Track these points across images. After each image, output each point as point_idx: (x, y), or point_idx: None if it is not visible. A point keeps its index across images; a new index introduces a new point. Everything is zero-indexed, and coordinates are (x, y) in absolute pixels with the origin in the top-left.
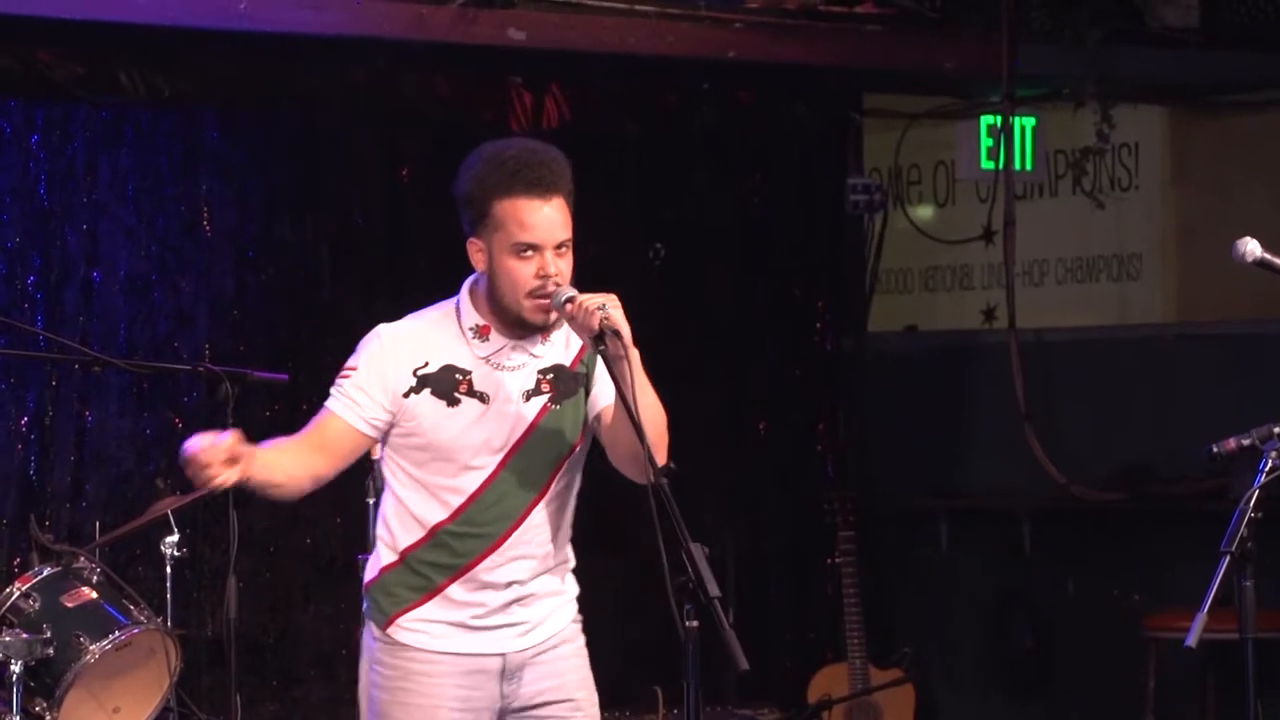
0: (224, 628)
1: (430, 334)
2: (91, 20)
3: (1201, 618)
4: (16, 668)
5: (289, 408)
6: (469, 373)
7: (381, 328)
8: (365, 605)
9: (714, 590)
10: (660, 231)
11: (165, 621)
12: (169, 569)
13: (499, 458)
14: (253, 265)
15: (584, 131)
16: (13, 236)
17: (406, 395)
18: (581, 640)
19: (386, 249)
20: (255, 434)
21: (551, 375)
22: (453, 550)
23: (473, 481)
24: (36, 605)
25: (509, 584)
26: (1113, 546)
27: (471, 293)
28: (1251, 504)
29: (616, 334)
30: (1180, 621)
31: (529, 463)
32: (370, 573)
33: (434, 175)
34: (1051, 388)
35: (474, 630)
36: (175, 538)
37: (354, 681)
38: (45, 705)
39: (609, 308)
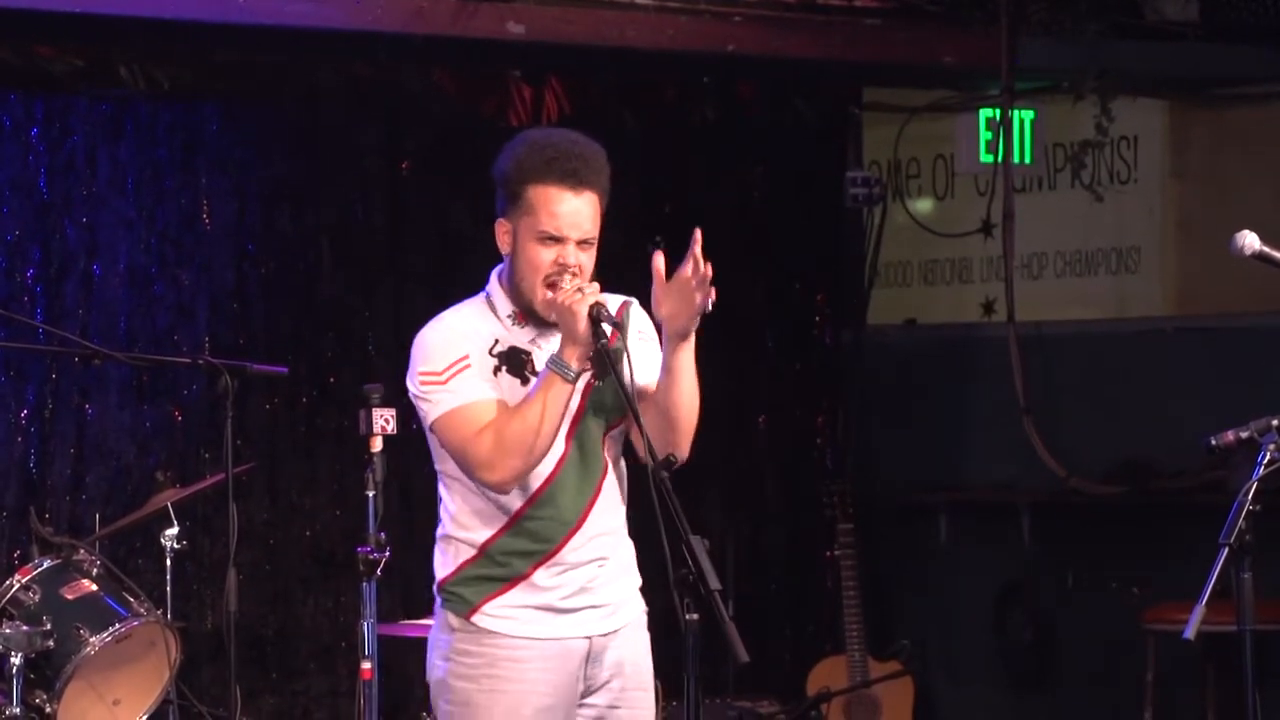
0: (224, 620)
1: (481, 321)
2: (91, 13)
3: (1200, 610)
4: (17, 660)
5: (289, 401)
6: (529, 354)
7: (437, 324)
8: (439, 601)
9: (714, 583)
10: (659, 225)
11: (165, 614)
12: (169, 561)
13: (564, 437)
14: (252, 258)
15: (583, 126)
16: (12, 229)
17: (495, 373)
18: (647, 635)
19: (386, 242)
20: (254, 427)
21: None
22: (536, 536)
23: (547, 464)
24: (37, 598)
25: (591, 561)
26: (1112, 539)
27: (500, 282)
28: (1250, 497)
29: (614, 321)
30: (1179, 614)
31: (587, 440)
32: (445, 569)
33: (434, 169)
34: (1051, 381)
35: (560, 613)
36: (175, 530)
37: (353, 674)
38: (45, 697)
39: (590, 293)
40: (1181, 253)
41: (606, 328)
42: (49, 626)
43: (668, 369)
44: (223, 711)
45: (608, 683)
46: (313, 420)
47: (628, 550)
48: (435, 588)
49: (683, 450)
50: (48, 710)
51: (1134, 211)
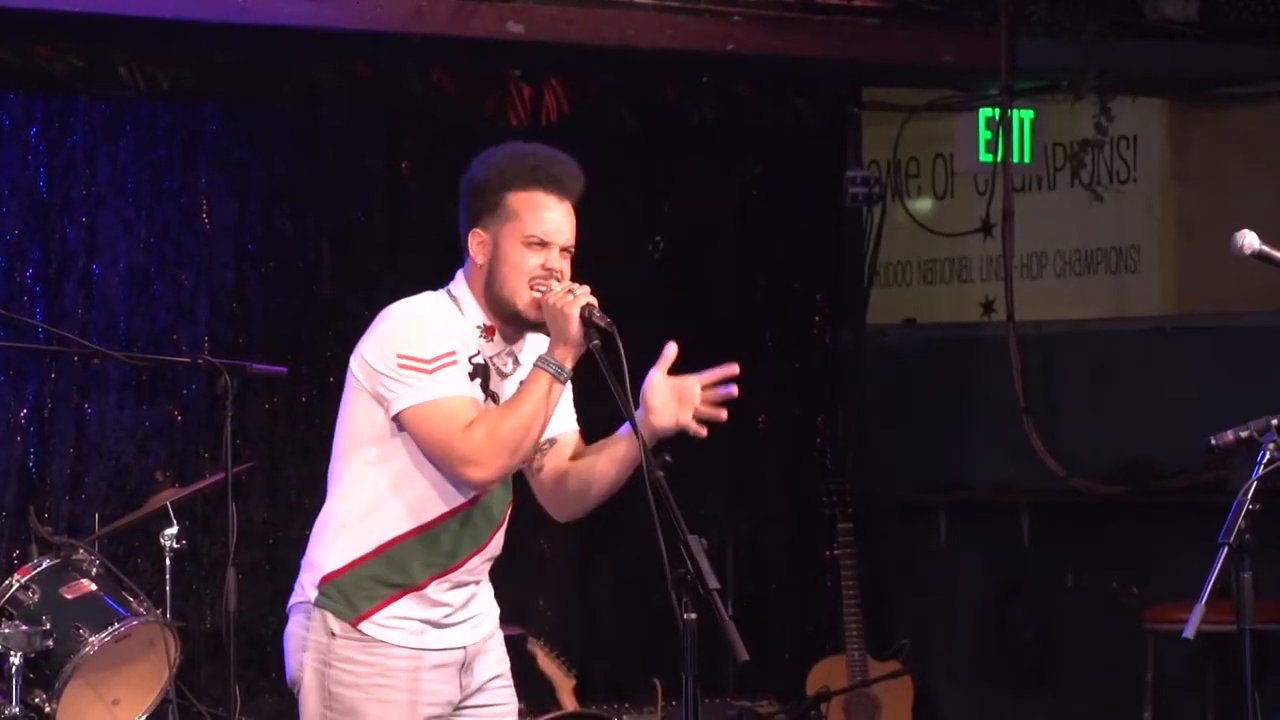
0: (223, 620)
1: (456, 325)
2: (90, 13)
3: (1199, 609)
4: (16, 659)
5: (288, 400)
6: (489, 370)
7: (419, 311)
8: (310, 596)
9: (713, 582)
10: (659, 225)
11: (165, 613)
12: (168, 561)
13: None
14: (252, 258)
15: (583, 125)
16: (12, 229)
17: (471, 379)
18: (500, 632)
19: (386, 242)
20: (254, 426)
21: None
22: (441, 549)
23: None
24: (36, 597)
25: (474, 582)
26: (1111, 539)
27: (470, 289)
28: (1249, 496)
29: (609, 326)
30: (1178, 613)
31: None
32: (331, 563)
33: (434, 168)
34: (1050, 380)
35: (444, 627)
36: (174, 530)
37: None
38: (45, 697)
39: (581, 295)
40: (1181, 252)
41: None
42: (48, 626)
43: (619, 456)
44: (222, 711)
45: (480, 688)
46: (312, 420)
47: None
48: (313, 580)
49: (568, 518)
50: (47, 710)
51: (1133, 211)
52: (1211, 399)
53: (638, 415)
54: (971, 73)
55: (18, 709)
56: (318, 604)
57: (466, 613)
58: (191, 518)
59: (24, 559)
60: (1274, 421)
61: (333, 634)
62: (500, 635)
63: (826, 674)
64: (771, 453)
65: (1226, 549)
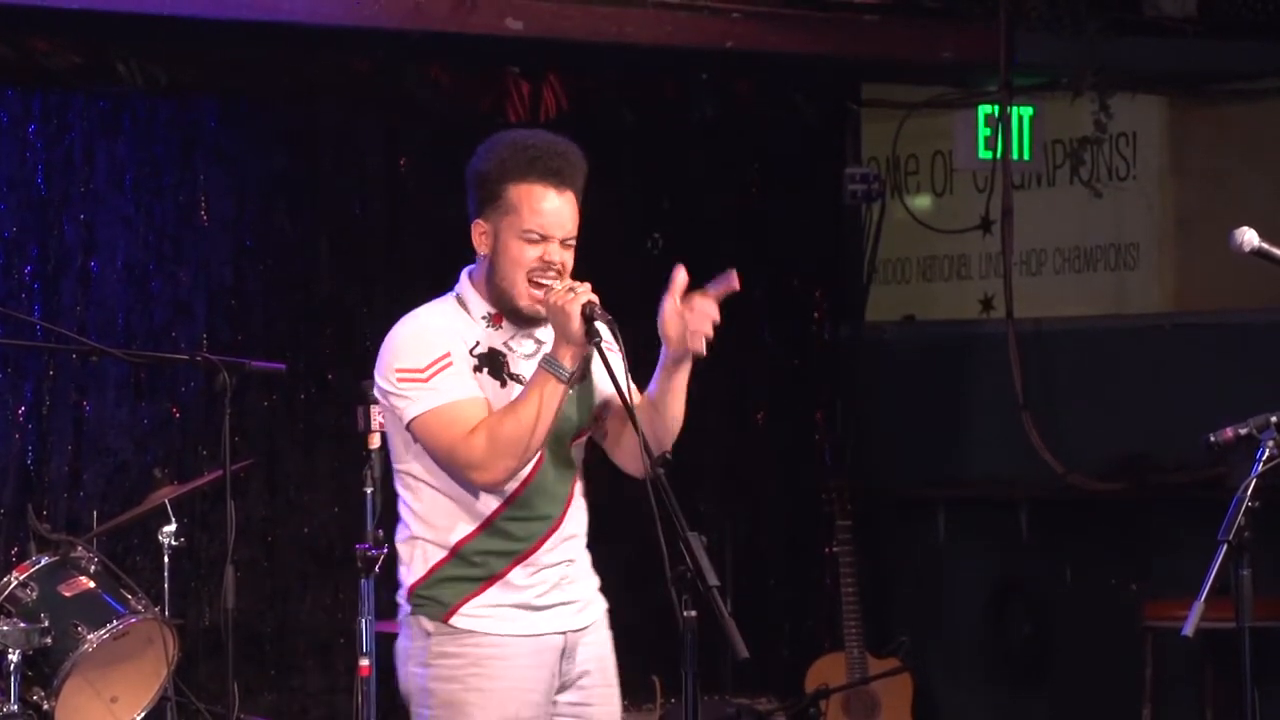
0: (222, 617)
1: (458, 321)
2: (89, 9)
3: (1199, 606)
4: (14, 657)
5: (287, 397)
6: (505, 355)
7: (413, 321)
8: (407, 608)
9: (712, 579)
10: (658, 221)
11: (163, 611)
12: (167, 558)
13: None
14: (251, 255)
15: (581, 122)
16: (10, 226)
17: (476, 373)
18: (610, 633)
19: (385, 239)
20: (252, 424)
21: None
22: (512, 536)
23: (525, 466)
24: (34, 594)
25: (562, 561)
26: (1110, 536)
27: (474, 283)
28: (1249, 493)
29: (608, 321)
30: (1178, 610)
31: (560, 444)
32: (414, 574)
33: (432, 165)
34: (1049, 377)
35: (538, 610)
36: (173, 527)
37: (351, 671)
38: (43, 694)
39: (582, 292)
40: (1180, 249)
41: (602, 328)
42: (46, 624)
43: (659, 390)
44: (220, 709)
45: (580, 679)
46: (311, 417)
47: (588, 553)
48: (404, 594)
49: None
50: (45, 707)
51: (1133, 208)
52: (1211, 396)
53: (661, 358)
54: (971, 69)
55: (16, 707)
56: (412, 613)
57: (562, 595)
58: (190, 515)
59: (22, 556)
60: (1273, 419)
61: (428, 634)
62: (607, 634)
63: (826, 671)
64: (770, 449)
65: (1226, 546)
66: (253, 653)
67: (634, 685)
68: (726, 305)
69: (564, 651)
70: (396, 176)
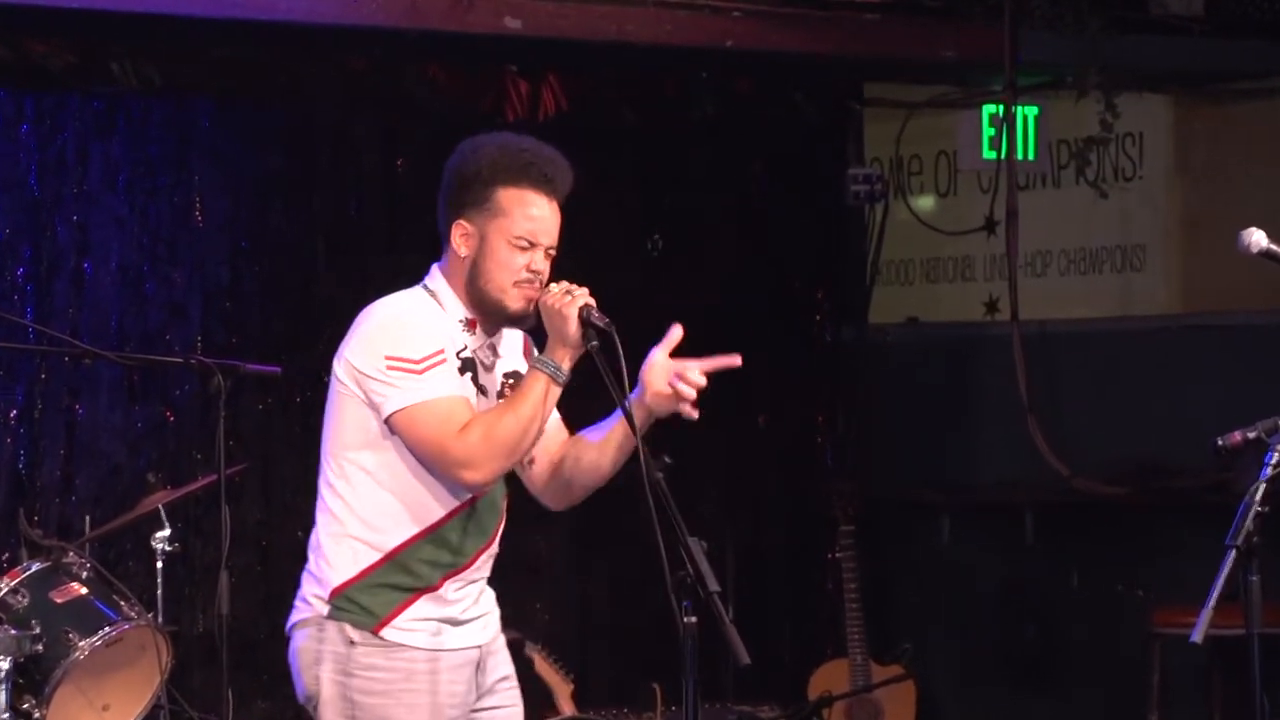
0: (216, 624)
1: (440, 322)
2: (83, 8)
3: (1207, 613)
4: (5, 664)
5: (282, 401)
6: (476, 363)
7: (401, 310)
8: (323, 610)
9: (713, 585)
10: (658, 222)
11: (156, 618)
12: (160, 564)
13: None
14: (246, 256)
15: (581, 121)
16: (2, 228)
17: (460, 375)
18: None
19: (382, 240)
20: (247, 427)
21: (512, 381)
22: (452, 548)
23: None
24: (25, 601)
25: (482, 578)
26: (1117, 541)
27: (450, 283)
28: (1257, 498)
29: (608, 326)
30: (1185, 617)
31: None
32: (340, 575)
33: (430, 165)
34: (1055, 380)
35: (461, 624)
36: (166, 532)
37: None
38: (34, 702)
39: (579, 295)
40: (1187, 250)
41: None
42: (37, 630)
43: (615, 444)
44: (214, 717)
45: (494, 685)
46: (307, 420)
47: None
48: (324, 594)
49: (563, 507)
50: (36, 715)
51: (1139, 209)
52: (1218, 399)
53: (633, 397)
54: (974, 68)
55: (6, 715)
56: (331, 616)
57: (478, 609)
58: (184, 520)
59: (13, 562)
60: None
61: (352, 643)
62: (504, 638)
63: (828, 678)
64: (772, 453)
65: (1234, 551)
66: (247, 660)
67: (634, 693)
68: (727, 306)
69: (479, 664)
70: (394, 177)
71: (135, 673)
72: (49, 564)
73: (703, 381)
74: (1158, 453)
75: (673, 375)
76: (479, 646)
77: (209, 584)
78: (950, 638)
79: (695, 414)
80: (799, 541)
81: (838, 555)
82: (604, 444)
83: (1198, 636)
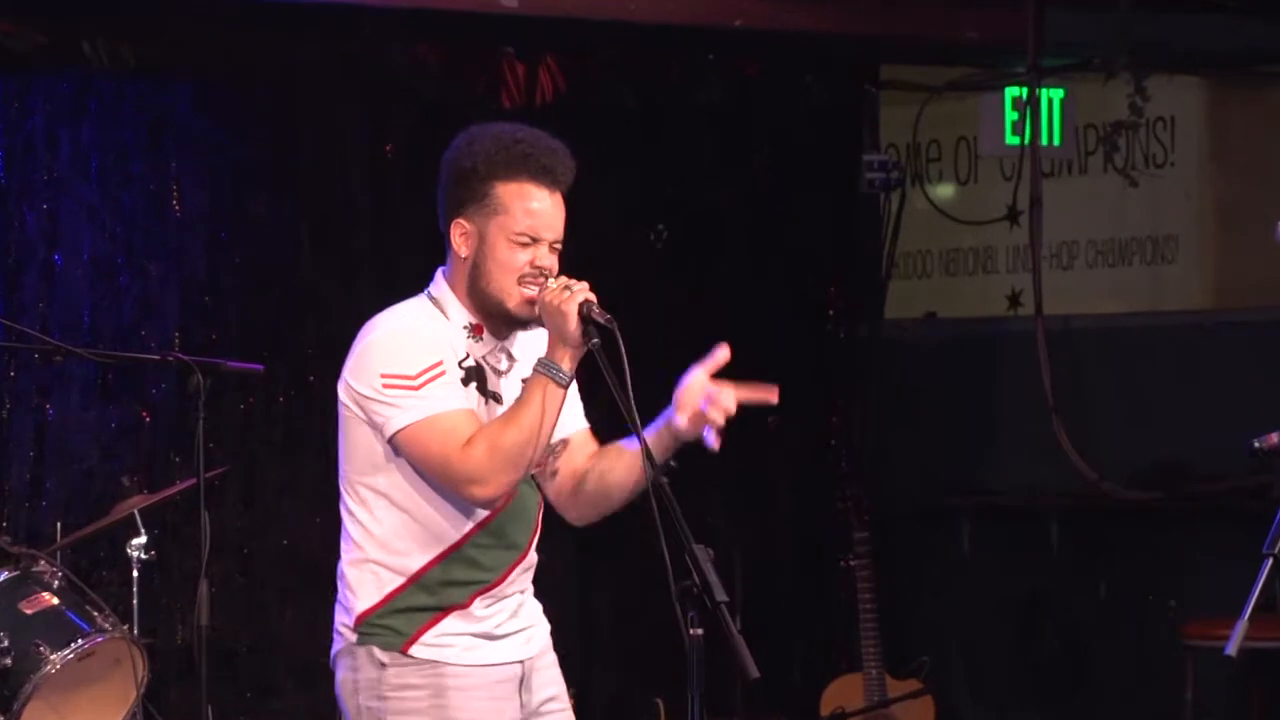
0: (195, 635)
1: (440, 332)
2: None
3: (1242, 625)
4: None
5: (264, 401)
6: (485, 370)
7: (396, 324)
8: (352, 639)
9: (720, 595)
10: (662, 212)
11: (131, 629)
12: (136, 573)
13: None
14: (226, 247)
15: (580, 105)
16: None
17: (465, 385)
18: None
19: (371, 230)
20: (228, 428)
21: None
22: (479, 565)
23: None
24: None
25: (519, 592)
26: (1147, 548)
27: (452, 287)
28: None
29: (609, 323)
30: (1219, 629)
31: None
32: (365, 602)
33: (421, 152)
34: (1081, 378)
35: (496, 639)
36: (142, 539)
37: (333, 693)
38: (3, 718)
39: (579, 290)
40: (1221, 241)
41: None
42: (6, 643)
43: (639, 460)
44: None
45: (541, 706)
46: (290, 421)
47: None
48: (350, 623)
49: (586, 522)
50: None
51: (1171, 197)
52: (1254, 398)
53: (665, 417)
54: (996, 49)
55: None
56: (360, 643)
57: (518, 623)
58: (161, 526)
59: None
60: None
61: (383, 665)
62: (554, 655)
63: (842, 693)
64: (782, 456)
65: (1271, 560)
66: (228, 673)
67: (637, 708)
68: (734, 300)
69: (522, 680)
70: (383, 163)
71: (109, 687)
72: (18, 573)
73: (733, 409)
74: (1190, 455)
75: (704, 398)
76: (520, 662)
77: (187, 593)
78: (970, 651)
79: (717, 445)
80: (811, 549)
81: (852, 563)
82: (627, 457)
83: (1232, 649)
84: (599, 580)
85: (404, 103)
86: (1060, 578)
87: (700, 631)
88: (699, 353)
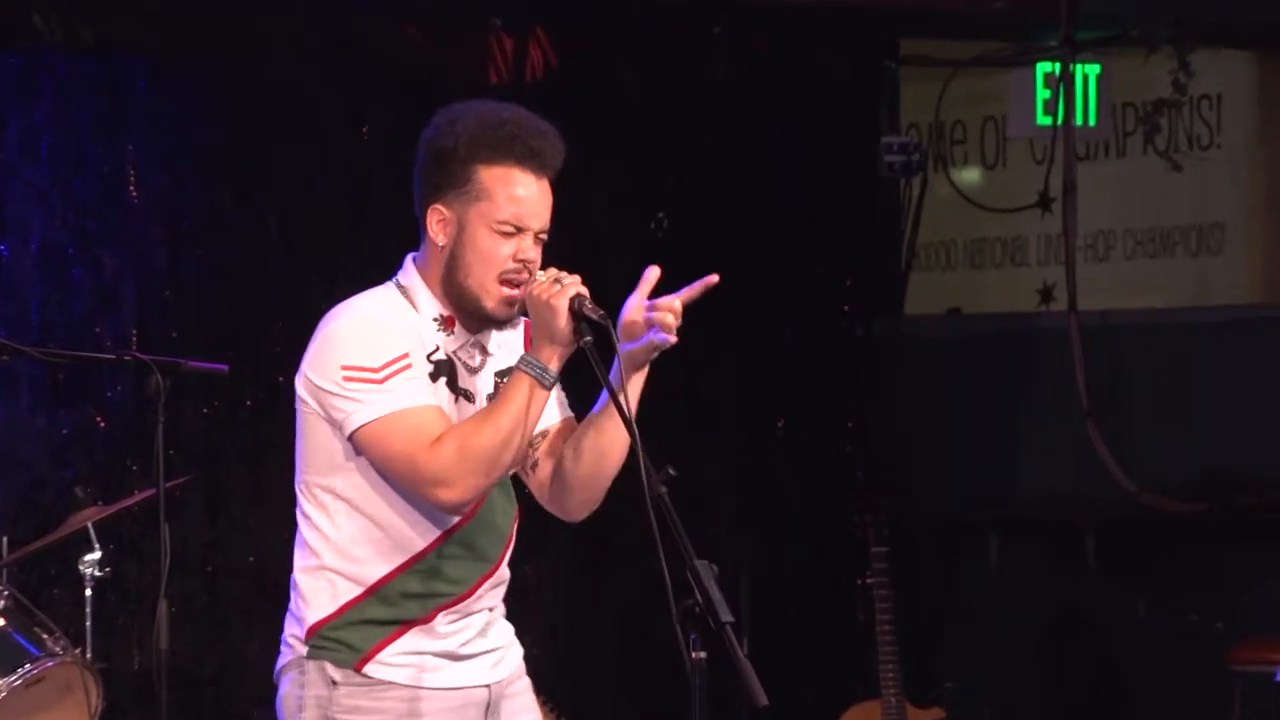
0: (154, 659)
1: (407, 321)
2: None
3: None
4: None
5: (230, 403)
6: (456, 367)
7: (359, 313)
8: (303, 651)
9: (725, 615)
10: (663, 199)
11: (84, 653)
12: (89, 591)
13: None
14: (188, 237)
15: (574, 83)
16: None
17: (433, 381)
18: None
19: (345, 219)
20: (190, 434)
21: (507, 381)
22: (445, 577)
23: None
24: None
25: (487, 609)
26: (1191, 565)
27: (424, 276)
28: None
29: (603, 320)
30: (1269, 653)
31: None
32: (318, 612)
33: (400, 134)
34: (1119, 379)
35: (460, 659)
36: (97, 555)
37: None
38: None
39: (570, 284)
40: (1271, 230)
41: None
42: None
43: (601, 417)
44: None
45: None
46: (258, 426)
47: None
48: (300, 634)
49: (582, 515)
50: None
51: (1216, 182)
52: None
53: (616, 359)
54: (1027, 21)
55: None
56: (310, 656)
57: (486, 643)
58: (117, 541)
59: None
60: None
61: (334, 683)
62: (528, 681)
63: None
64: (793, 464)
65: None
66: (190, 701)
67: None
68: (741, 295)
69: (489, 707)
70: (360, 146)
71: (61, 715)
72: None
73: (678, 306)
74: (1238, 464)
75: (647, 309)
76: (487, 687)
77: (146, 614)
78: (998, 676)
79: (673, 339)
80: (824, 565)
81: (869, 581)
82: (596, 431)
83: None
84: (592, 600)
85: (384, 81)
86: (1095, 597)
87: (703, 655)
88: (700, 352)
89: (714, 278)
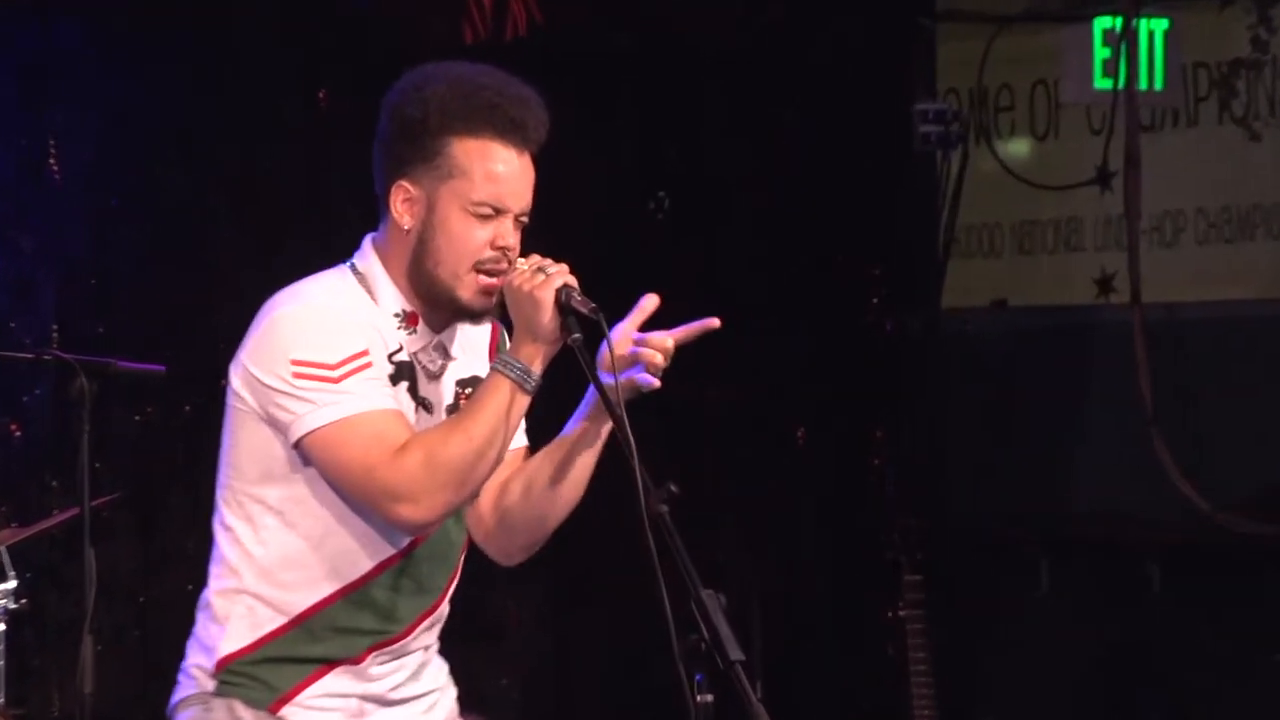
0: (77, 705)
1: (366, 314)
2: None
3: None
4: None
5: (166, 409)
6: (417, 371)
7: (310, 301)
8: (209, 685)
9: (735, 653)
10: (663, 177)
11: None
12: (3, 626)
13: None
14: (118, 220)
15: (561, 44)
16: None
17: (393, 384)
18: None
19: (300, 198)
20: (120, 445)
21: (469, 390)
22: (383, 612)
23: None
24: None
25: (423, 648)
26: (1269, 593)
27: (385, 263)
28: None
29: (595, 314)
30: None
31: None
32: (233, 642)
33: (363, 102)
34: (1188, 382)
35: (391, 705)
36: (12, 584)
37: None
38: None
39: (554, 272)
40: None
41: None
42: None
43: (574, 441)
44: None
45: None
46: (199, 437)
47: None
48: (209, 665)
49: (517, 560)
50: None
51: None
52: None
53: (603, 381)
54: None
55: None
56: (218, 692)
57: (419, 686)
58: (35, 568)
59: None
60: None
61: None
62: None
63: None
64: (813, 479)
65: None
66: None
67: None
68: (751, 285)
69: None
70: (317, 117)
71: None
72: None
73: (670, 345)
74: None
75: (632, 345)
76: None
77: (68, 651)
78: (1047, 715)
79: (656, 383)
80: (850, 594)
81: (901, 612)
82: (567, 469)
83: None
84: (582, 636)
85: (344, 42)
86: (1158, 628)
87: (710, 698)
88: (702, 352)
89: (715, 321)
